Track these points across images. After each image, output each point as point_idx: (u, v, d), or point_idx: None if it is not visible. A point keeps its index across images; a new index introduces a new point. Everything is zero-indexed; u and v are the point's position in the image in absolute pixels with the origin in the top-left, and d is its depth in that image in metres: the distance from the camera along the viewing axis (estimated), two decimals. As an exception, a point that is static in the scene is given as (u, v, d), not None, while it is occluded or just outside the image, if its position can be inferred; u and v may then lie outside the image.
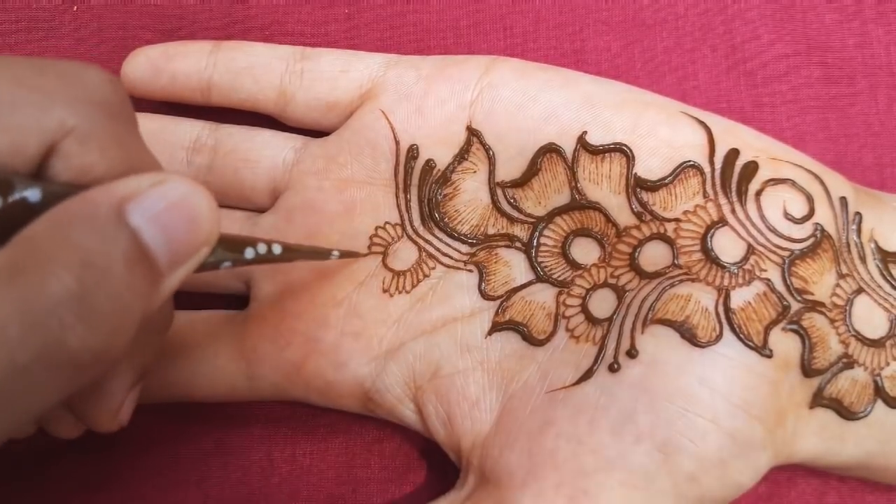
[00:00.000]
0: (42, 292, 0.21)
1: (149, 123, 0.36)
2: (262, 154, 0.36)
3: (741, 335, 0.31)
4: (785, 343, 0.32)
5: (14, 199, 0.23)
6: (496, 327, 0.34)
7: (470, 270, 0.35)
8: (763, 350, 0.31)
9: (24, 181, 0.23)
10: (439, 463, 0.36)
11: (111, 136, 0.25)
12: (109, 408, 0.28)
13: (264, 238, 0.30)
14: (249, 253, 0.29)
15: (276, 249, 0.30)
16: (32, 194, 0.23)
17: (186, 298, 0.37)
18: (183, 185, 0.24)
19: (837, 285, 0.33)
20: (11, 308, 0.20)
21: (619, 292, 0.33)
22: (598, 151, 0.34)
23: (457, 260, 0.35)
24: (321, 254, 0.33)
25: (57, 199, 0.23)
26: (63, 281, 0.21)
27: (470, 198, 0.35)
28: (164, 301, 0.25)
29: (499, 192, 0.35)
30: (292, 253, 0.31)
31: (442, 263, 0.35)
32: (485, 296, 0.35)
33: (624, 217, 0.34)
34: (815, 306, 0.33)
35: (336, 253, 0.33)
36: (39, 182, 0.24)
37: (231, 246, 0.28)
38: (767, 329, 0.32)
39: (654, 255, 0.33)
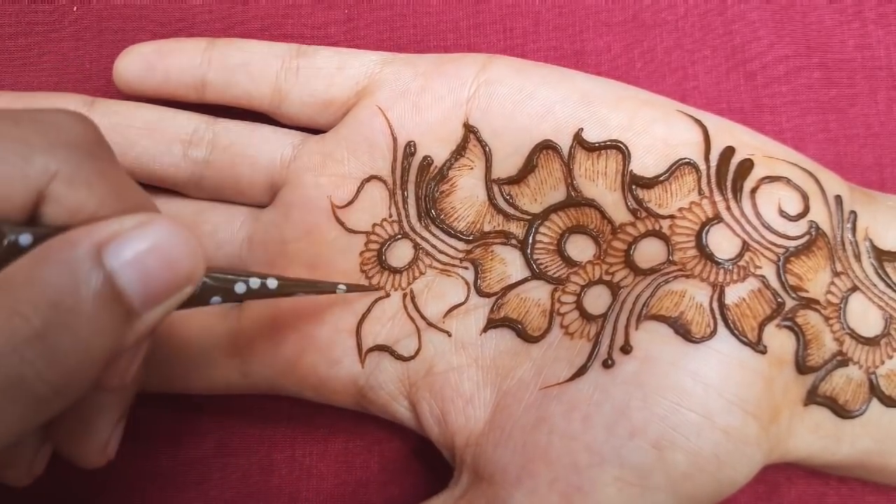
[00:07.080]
0: (6, 330, 0.22)
1: (146, 114, 0.36)
2: (261, 150, 0.36)
3: (735, 331, 0.31)
4: (779, 340, 0.32)
5: (5, 244, 0.24)
6: (491, 324, 0.34)
7: (465, 268, 0.35)
8: (757, 346, 0.31)
9: (15, 227, 0.24)
10: (439, 465, 0.36)
11: (96, 174, 0.26)
12: (97, 444, 0.29)
13: (260, 272, 0.30)
14: (240, 287, 0.29)
15: (272, 283, 0.30)
16: (24, 238, 0.24)
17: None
18: (165, 227, 0.25)
19: (832, 283, 0.33)
20: None
21: (614, 289, 0.33)
22: (594, 148, 0.34)
23: (452, 257, 0.35)
24: (325, 287, 0.33)
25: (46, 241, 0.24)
26: (28, 319, 0.22)
27: (466, 195, 0.35)
28: (143, 337, 0.26)
29: (495, 188, 0.35)
30: (291, 287, 0.31)
31: (438, 261, 0.35)
32: (480, 293, 0.35)
33: (619, 214, 0.34)
34: (809, 303, 0.32)
35: (343, 287, 0.33)
36: (31, 227, 0.25)
37: (222, 280, 0.29)
38: (762, 325, 0.32)
39: (649, 252, 0.33)
